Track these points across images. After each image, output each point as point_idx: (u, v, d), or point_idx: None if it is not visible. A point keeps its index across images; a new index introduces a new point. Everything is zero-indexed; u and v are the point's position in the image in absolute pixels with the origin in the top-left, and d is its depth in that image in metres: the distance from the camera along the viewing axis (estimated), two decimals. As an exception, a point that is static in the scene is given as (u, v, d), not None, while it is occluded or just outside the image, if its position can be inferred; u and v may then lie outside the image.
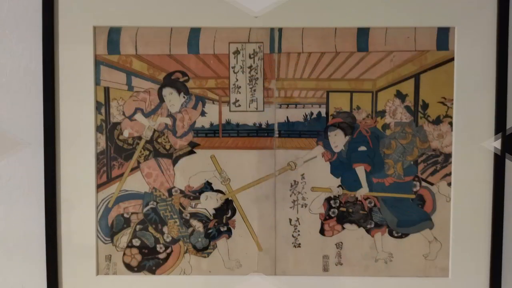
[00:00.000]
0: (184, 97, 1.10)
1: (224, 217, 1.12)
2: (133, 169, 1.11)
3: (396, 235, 1.11)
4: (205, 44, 1.08)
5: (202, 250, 1.12)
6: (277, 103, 1.09)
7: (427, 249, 1.10)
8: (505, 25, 1.05)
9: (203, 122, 1.10)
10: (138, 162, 1.11)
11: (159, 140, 1.11)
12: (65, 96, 1.08)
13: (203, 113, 1.10)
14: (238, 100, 1.09)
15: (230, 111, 1.09)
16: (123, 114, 1.10)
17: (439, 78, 1.07)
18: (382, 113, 1.09)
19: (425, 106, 1.08)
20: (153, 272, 1.12)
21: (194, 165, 1.10)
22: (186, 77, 1.09)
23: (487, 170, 1.07)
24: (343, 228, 1.11)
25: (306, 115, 1.09)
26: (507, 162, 1.07)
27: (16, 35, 1.10)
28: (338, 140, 1.10)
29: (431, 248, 1.10)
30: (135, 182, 1.11)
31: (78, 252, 1.11)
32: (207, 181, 1.11)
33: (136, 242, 1.12)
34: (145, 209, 1.12)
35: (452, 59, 1.07)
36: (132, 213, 1.12)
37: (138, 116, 1.10)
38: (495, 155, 1.06)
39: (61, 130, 1.08)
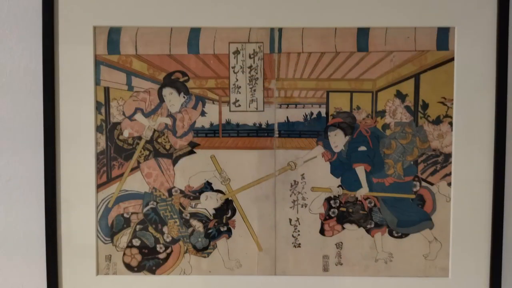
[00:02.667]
0: (184, 97, 1.10)
1: (224, 217, 1.12)
2: (133, 169, 1.11)
3: (396, 235, 1.11)
4: (205, 44, 1.08)
5: (202, 250, 1.12)
6: (277, 103, 1.09)
7: (427, 249, 1.10)
8: (505, 25, 1.05)
9: (203, 122, 1.10)
10: (138, 162, 1.11)
11: (159, 140, 1.11)
12: (65, 96, 1.08)
13: (203, 113, 1.10)
14: (238, 100, 1.09)
15: (230, 111, 1.09)
16: (123, 114, 1.10)
17: (439, 78, 1.07)
18: (382, 113, 1.09)
19: (425, 106, 1.08)
20: (153, 272, 1.12)
21: (194, 165, 1.10)
22: (186, 77, 1.09)
23: (487, 170, 1.07)
24: (343, 228, 1.11)
25: (306, 115, 1.09)
26: (507, 162, 1.07)
27: (16, 35, 1.10)
28: (338, 140, 1.10)
29: (431, 248, 1.10)
30: (135, 182, 1.11)
31: (78, 252, 1.11)
32: (207, 181, 1.11)
33: (136, 242, 1.12)
34: (145, 209, 1.12)
35: (452, 59, 1.07)
36: (132, 213, 1.12)
37: (138, 116, 1.10)
38: (495, 155, 1.06)
39: (61, 130, 1.08)
